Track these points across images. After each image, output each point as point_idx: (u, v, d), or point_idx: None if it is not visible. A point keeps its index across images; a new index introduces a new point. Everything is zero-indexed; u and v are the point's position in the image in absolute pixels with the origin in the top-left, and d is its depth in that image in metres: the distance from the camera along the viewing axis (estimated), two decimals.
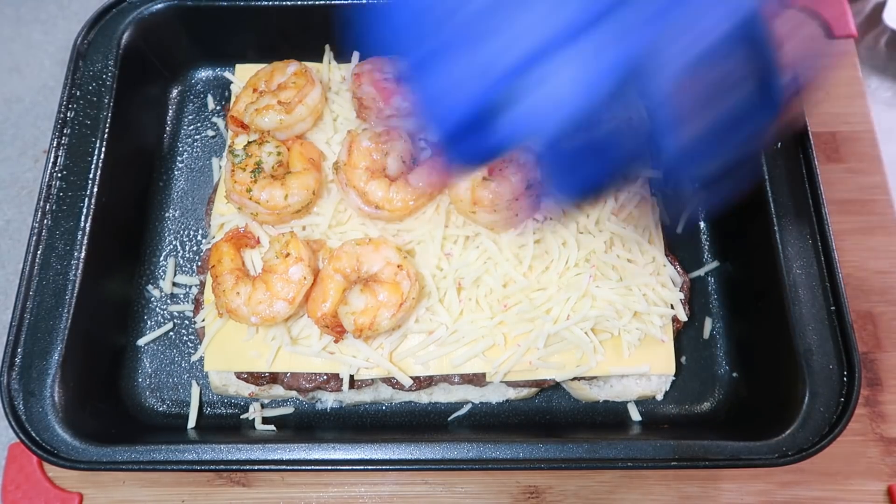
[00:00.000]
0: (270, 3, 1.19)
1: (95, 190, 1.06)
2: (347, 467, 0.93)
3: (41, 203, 1.03)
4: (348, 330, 0.97)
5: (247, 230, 1.06)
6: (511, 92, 0.58)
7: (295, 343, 1.01)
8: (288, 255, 0.99)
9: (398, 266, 0.97)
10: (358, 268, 0.98)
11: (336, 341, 0.99)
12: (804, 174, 1.05)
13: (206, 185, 1.25)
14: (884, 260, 1.21)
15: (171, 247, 1.21)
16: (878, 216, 1.24)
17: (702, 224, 1.22)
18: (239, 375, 1.04)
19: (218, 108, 1.31)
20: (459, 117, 0.61)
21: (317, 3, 1.17)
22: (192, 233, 1.22)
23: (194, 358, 1.12)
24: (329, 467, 0.93)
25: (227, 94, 1.29)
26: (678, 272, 1.09)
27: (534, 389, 1.08)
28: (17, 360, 0.96)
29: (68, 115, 1.10)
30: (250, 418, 1.08)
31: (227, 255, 1.02)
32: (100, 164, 1.08)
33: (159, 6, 1.19)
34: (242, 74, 1.21)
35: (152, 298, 1.17)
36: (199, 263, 1.15)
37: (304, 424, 1.09)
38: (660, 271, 1.05)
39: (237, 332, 1.03)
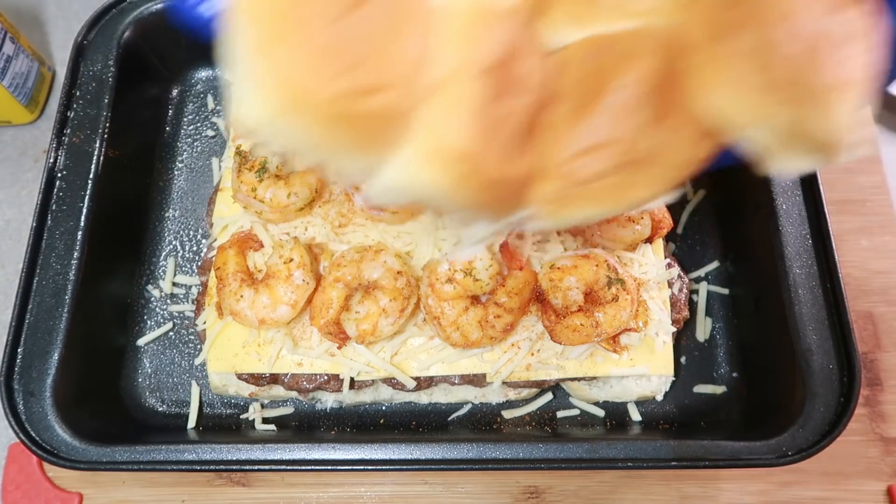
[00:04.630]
0: None
1: (95, 190, 1.06)
2: (347, 467, 0.93)
3: (41, 203, 1.03)
4: (351, 336, 0.97)
5: (251, 232, 1.06)
6: None
7: (296, 346, 1.02)
8: (291, 260, 0.99)
9: (398, 272, 0.98)
10: (359, 275, 0.99)
11: (339, 347, 1.00)
12: (804, 174, 1.05)
13: (206, 185, 1.25)
14: (884, 260, 1.21)
15: (171, 247, 1.21)
16: (878, 216, 1.24)
17: (702, 224, 1.22)
18: (240, 376, 1.04)
19: (218, 108, 1.31)
20: None
21: None
22: (192, 233, 1.22)
23: (198, 361, 1.12)
24: (329, 467, 0.93)
25: (227, 93, 1.29)
26: (678, 272, 1.09)
27: (534, 390, 1.08)
28: (17, 360, 0.96)
29: (68, 115, 1.10)
30: (250, 418, 1.08)
31: (232, 259, 1.02)
32: (100, 164, 1.08)
33: (159, 6, 1.19)
34: None
35: (152, 298, 1.17)
36: (200, 264, 1.15)
37: (304, 424, 1.09)
38: (659, 272, 1.05)
39: (239, 333, 1.03)
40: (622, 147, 0.64)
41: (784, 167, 0.64)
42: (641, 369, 1.03)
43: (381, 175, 0.61)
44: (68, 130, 1.09)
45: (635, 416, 1.08)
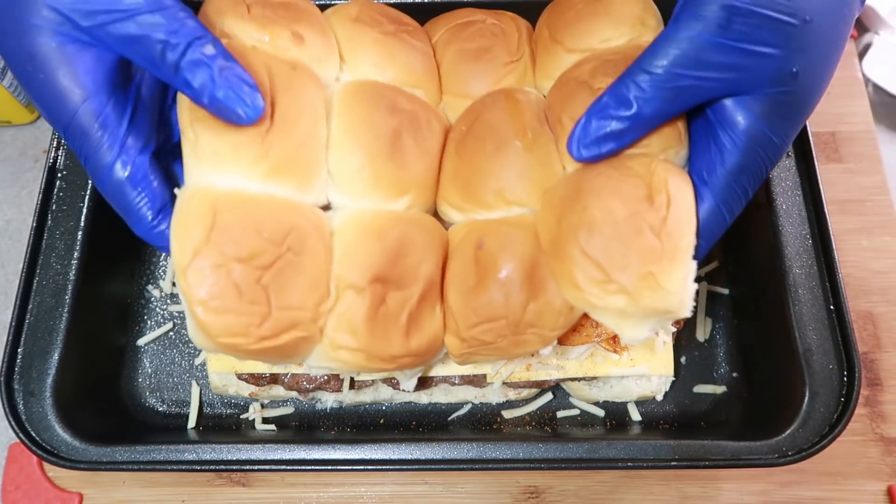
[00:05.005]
0: None
1: (95, 190, 1.06)
2: (347, 467, 0.93)
3: (41, 203, 1.03)
4: None
5: None
6: None
7: None
8: None
9: None
10: None
11: None
12: (804, 174, 1.05)
13: None
14: (884, 260, 1.21)
15: None
16: (878, 216, 1.24)
17: None
18: (240, 376, 1.04)
19: None
20: None
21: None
22: None
23: (198, 361, 1.12)
24: (329, 467, 0.93)
25: None
26: None
27: (534, 390, 1.08)
28: (17, 360, 0.96)
29: None
30: (250, 418, 1.08)
31: None
32: None
33: None
34: None
35: (152, 298, 1.17)
36: None
37: (304, 424, 1.09)
38: None
39: None
40: (510, 320, 0.82)
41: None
42: (641, 369, 1.03)
43: (307, 360, 0.83)
44: None
45: (635, 416, 1.08)
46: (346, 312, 0.78)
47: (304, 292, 0.76)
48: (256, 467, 0.92)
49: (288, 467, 0.92)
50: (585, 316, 0.96)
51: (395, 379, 1.02)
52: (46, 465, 1.07)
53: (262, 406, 1.10)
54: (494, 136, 0.88)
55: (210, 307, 0.72)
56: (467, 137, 0.91)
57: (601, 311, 0.80)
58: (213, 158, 0.75)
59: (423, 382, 1.04)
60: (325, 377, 1.02)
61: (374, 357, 0.80)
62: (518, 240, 0.83)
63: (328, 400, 1.09)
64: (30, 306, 0.99)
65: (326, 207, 0.85)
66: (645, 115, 0.73)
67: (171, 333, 1.15)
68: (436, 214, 0.94)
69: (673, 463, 0.91)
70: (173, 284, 1.18)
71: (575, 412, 1.09)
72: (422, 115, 0.91)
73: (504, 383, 1.03)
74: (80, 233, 1.03)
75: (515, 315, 0.81)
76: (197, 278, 0.72)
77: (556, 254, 0.80)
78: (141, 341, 1.14)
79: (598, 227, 0.76)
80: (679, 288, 0.76)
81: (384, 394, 1.07)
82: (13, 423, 0.93)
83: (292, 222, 0.76)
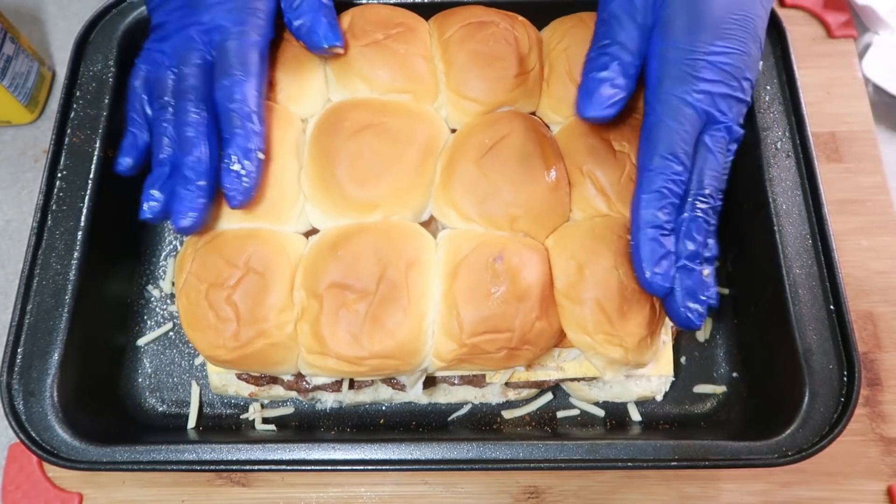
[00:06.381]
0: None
1: (95, 190, 1.06)
2: (347, 467, 0.93)
3: (41, 203, 1.03)
4: None
5: None
6: None
7: None
8: None
9: None
10: None
11: None
12: (804, 174, 1.05)
13: None
14: (884, 260, 1.21)
15: (171, 247, 1.21)
16: (878, 216, 1.24)
17: None
18: (239, 376, 1.04)
19: None
20: None
21: None
22: None
23: (198, 361, 1.12)
24: (329, 467, 0.93)
25: None
26: None
27: (534, 390, 1.08)
28: (17, 360, 0.96)
29: (68, 114, 1.10)
30: (250, 418, 1.08)
31: None
32: (100, 164, 1.08)
33: None
34: None
35: (152, 298, 1.17)
36: None
37: (304, 424, 1.09)
38: None
39: None
40: (516, 334, 0.87)
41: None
42: (641, 369, 1.02)
43: (299, 368, 0.92)
44: (68, 130, 1.09)
45: (635, 416, 1.08)
46: (309, 318, 0.87)
47: (266, 305, 0.86)
48: (256, 467, 0.92)
49: (288, 467, 0.92)
50: None
51: (395, 379, 1.02)
52: (46, 465, 1.07)
53: (262, 406, 1.10)
54: (522, 165, 0.92)
55: (194, 327, 0.88)
56: (491, 153, 0.93)
57: (597, 356, 0.92)
58: None
59: (423, 382, 1.04)
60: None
61: (341, 359, 0.86)
62: (536, 261, 0.89)
63: (328, 400, 1.09)
64: (30, 306, 0.99)
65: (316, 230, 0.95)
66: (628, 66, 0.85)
67: (170, 333, 1.15)
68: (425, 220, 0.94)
69: (673, 463, 0.91)
70: (173, 284, 1.18)
71: (575, 412, 1.09)
72: (394, 124, 0.94)
73: (504, 383, 1.03)
74: (80, 233, 1.03)
75: (523, 330, 0.87)
76: (182, 304, 0.89)
77: (573, 297, 0.89)
78: (141, 341, 1.14)
79: (620, 289, 0.88)
80: (657, 349, 0.95)
81: (384, 394, 1.07)
82: (13, 423, 0.93)
83: (253, 247, 0.88)
